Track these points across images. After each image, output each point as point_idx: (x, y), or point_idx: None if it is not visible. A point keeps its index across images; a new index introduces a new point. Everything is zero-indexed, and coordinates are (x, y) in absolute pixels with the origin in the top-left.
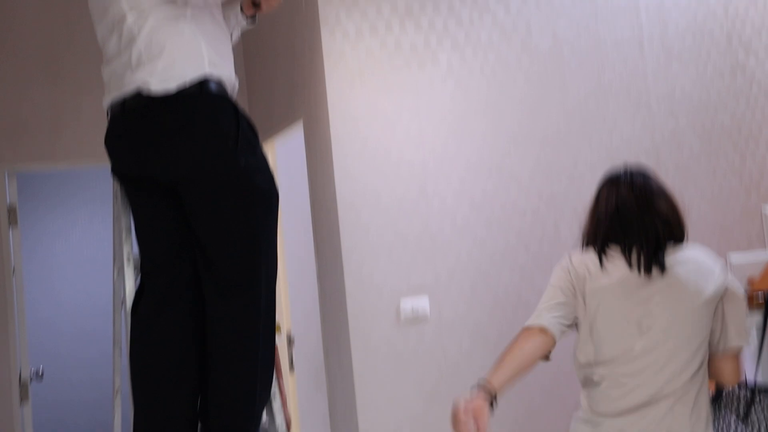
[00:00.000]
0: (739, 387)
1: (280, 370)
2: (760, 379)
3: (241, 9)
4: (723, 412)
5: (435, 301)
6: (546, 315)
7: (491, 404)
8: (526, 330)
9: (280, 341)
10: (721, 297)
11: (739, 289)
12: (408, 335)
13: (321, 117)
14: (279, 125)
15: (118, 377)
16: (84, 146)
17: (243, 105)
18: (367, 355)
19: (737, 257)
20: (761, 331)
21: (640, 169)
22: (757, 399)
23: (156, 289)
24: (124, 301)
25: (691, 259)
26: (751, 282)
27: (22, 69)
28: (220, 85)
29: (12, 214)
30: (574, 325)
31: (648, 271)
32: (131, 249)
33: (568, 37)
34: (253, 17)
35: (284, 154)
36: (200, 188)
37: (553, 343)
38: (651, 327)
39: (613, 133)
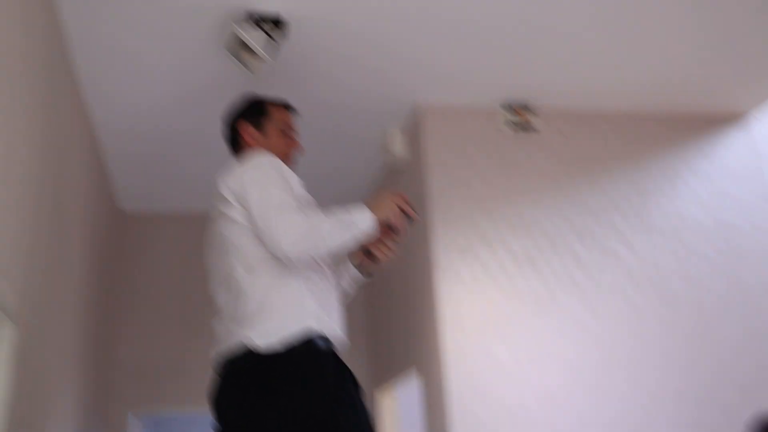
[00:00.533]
0: None
1: None
2: None
3: (355, 264)
4: None
5: None
6: None
7: None
8: None
9: None
10: None
11: None
12: None
13: (436, 365)
14: (397, 371)
15: None
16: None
17: (364, 349)
18: None
19: None
20: None
21: None
22: None
23: None
24: None
25: None
26: None
27: (156, 318)
28: (326, 341)
29: None
30: None
31: None
32: None
33: (703, 278)
34: (368, 270)
35: (404, 399)
36: None
37: None
38: None
39: None
